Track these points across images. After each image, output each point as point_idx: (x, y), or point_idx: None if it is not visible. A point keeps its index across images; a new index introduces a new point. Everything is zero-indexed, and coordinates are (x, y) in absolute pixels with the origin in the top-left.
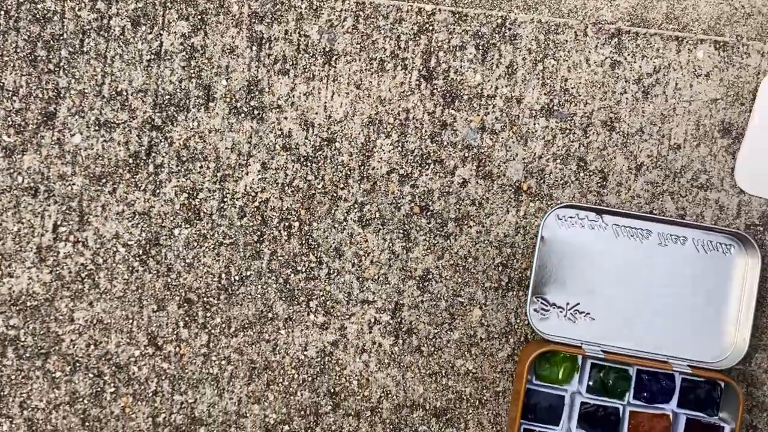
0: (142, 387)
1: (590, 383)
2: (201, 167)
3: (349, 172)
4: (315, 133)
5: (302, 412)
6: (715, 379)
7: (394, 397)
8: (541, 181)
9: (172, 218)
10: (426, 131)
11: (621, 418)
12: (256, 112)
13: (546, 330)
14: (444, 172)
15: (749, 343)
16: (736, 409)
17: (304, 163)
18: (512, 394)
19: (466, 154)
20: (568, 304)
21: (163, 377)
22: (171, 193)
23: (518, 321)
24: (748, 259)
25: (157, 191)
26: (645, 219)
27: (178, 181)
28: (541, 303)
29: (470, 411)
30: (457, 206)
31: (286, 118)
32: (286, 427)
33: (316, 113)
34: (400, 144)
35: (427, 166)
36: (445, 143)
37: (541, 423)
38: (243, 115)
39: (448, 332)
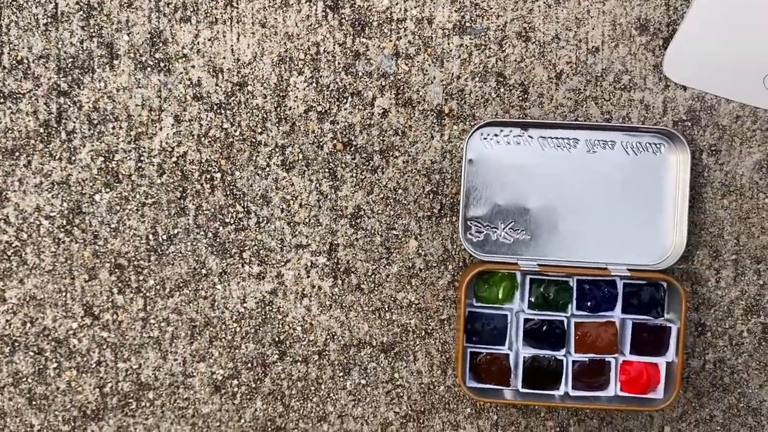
0: (85, 359)
1: (532, 299)
2: (114, 128)
3: (265, 115)
4: (225, 79)
5: (249, 365)
6: (656, 280)
7: (340, 337)
8: (462, 101)
9: (91, 184)
10: (339, 64)
11: (566, 330)
12: (162, 64)
13: (483, 253)
14: (363, 104)
15: (688, 240)
16: (680, 308)
17: (218, 111)
18: (456, 320)
19: (383, 83)
20: (502, 224)
21: (105, 346)
22: (87, 158)
23: (455, 247)
24: (678, 156)
25: (73, 158)
26: (570, 127)
27: (93, 145)
28: (475, 226)
29: (417, 342)
30: (381, 138)
31: (193, 66)
32: (235, 381)
33: (224, 58)
34: (314, 80)
35: (344, 100)
36: (361, 74)
37: (486, 345)
38: (149, 69)
39: (387, 267)
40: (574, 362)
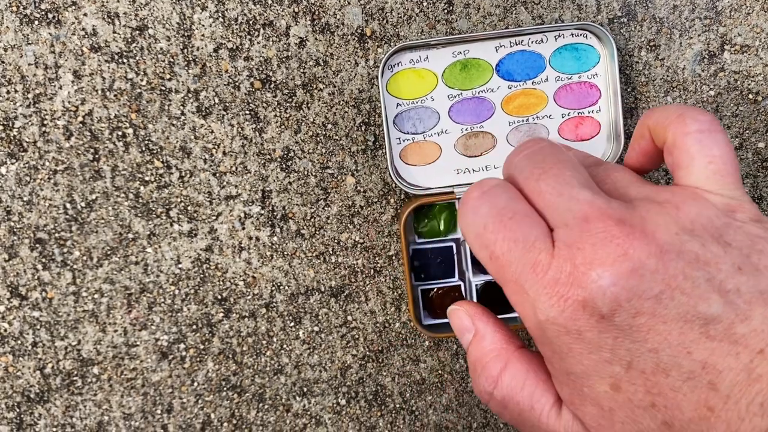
0: (19, 342)
1: None
2: (8, 92)
3: (172, 59)
4: (123, 24)
5: (194, 327)
6: None
7: (286, 287)
8: (384, 21)
9: None
10: None
11: None
12: (50, 15)
13: (416, 186)
14: (277, 35)
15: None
16: None
17: (120, 60)
18: (402, 258)
19: (296, 9)
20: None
21: (38, 326)
22: None
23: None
24: (605, 51)
25: None
26: (496, 38)
27: None
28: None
29: (367, 282)
30: (301, 70)
31: (85, 14)
32: (182, 345)
33: (117, 1)
34: (220, 14)
35: (256, 33)
36: (270, 1)
37: (436, 279)
38: (37, 22)
39: (326, 208)
40: None
